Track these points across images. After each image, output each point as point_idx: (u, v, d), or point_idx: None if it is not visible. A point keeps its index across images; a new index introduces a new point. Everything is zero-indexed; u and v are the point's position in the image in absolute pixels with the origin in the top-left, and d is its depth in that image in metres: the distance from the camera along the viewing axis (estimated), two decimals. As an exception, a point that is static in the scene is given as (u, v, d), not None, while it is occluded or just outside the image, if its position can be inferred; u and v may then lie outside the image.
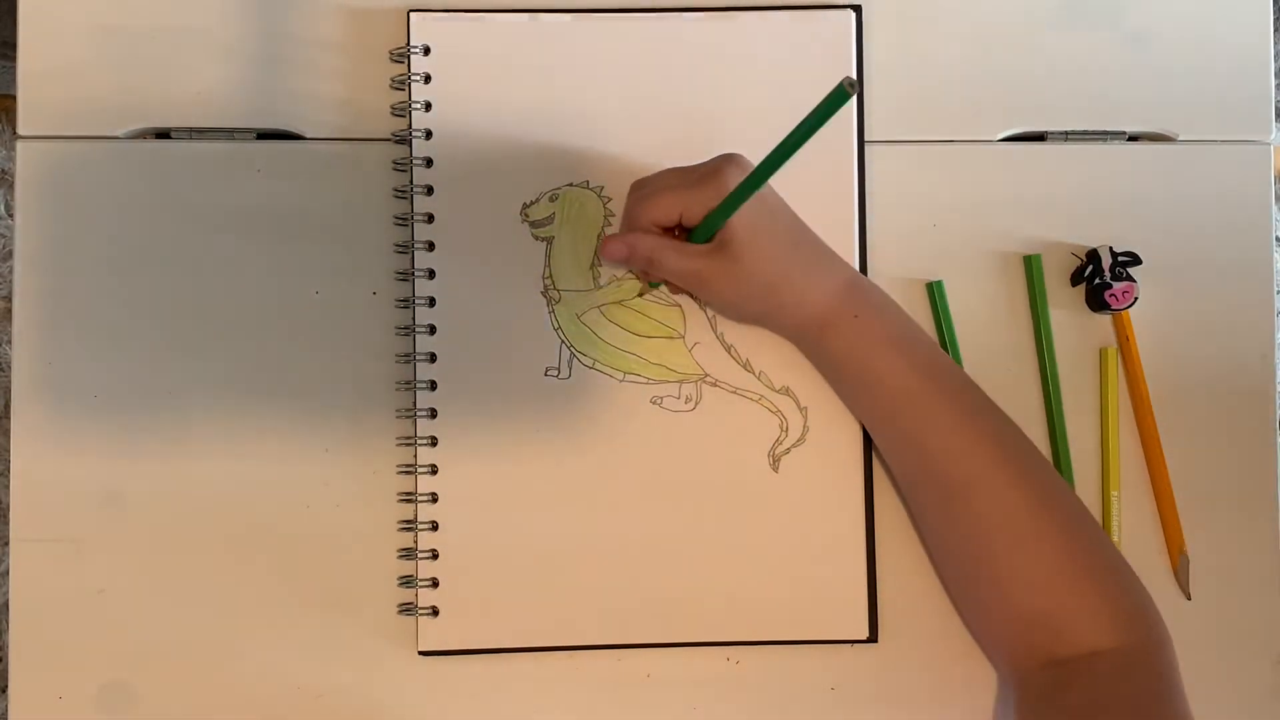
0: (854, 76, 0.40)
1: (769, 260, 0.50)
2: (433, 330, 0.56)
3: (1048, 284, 0.58)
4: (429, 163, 0.56)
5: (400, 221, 0.56)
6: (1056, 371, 0.57)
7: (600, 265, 0.56)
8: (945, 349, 0.57)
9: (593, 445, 0.56)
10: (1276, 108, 0.59)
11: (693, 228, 0.51)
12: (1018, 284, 0.58)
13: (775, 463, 0.56)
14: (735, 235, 0.49)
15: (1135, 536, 0.57)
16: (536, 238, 0.56)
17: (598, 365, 0.56)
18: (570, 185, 0.56)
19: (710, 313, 0.57)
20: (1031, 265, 0.57)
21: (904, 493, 0.55)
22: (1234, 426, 0.57)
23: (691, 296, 0.56)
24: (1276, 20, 0.60)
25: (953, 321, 0.57)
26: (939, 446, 0.50)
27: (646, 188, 0.52)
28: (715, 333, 0.57)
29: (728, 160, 0.50)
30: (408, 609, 0.55)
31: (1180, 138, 0.59)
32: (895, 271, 0.57)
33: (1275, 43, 0.59)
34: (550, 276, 0.56)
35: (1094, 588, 0.48)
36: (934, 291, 0.57)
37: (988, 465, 0.50)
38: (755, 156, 0.56)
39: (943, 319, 0.57)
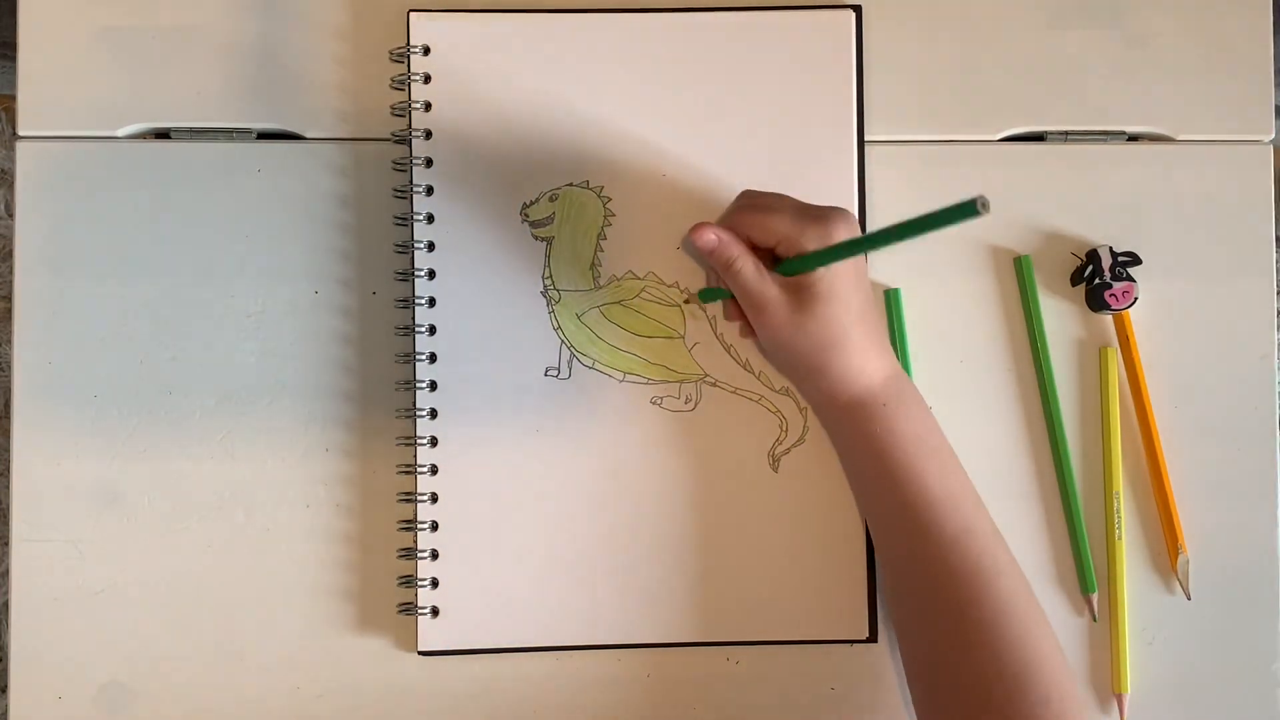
0: (987, 199, 0.40)
1: (836, 320, 0.50)
2: (433, 330, 0.56)
3: (1046, 284, 0.58)
4: (429, 163, 0.56)
5: (400, 221, 0.56)
6: (1051, 370, 0.57)
7: (598, 266, 0.56)
8: (898, 356, 0.56)
9: (593, 445, 0.56)
10: (1276, 108, 0.59)
11: (782, 260, 0.50)
12: (1017, 284, 0.58)
13: (775, 463, 0.56)
14: (818, 283, 0.49)
15: (1135, 536, 0.57)
16: (536, 238, 0.56)
17: (598, 365, 0.56)
18: (570, 185, 0.56)
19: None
20: (1022, 266, 0.57)
21: (889, 591, 0.54)
22: (1234, 426, 0.57)
23: (746, 333, 0.55)
24: (1276, 20, 0.59)
25: (906, 331, 0.57)
26: (937, 562, 0.50)
27: (757, 201, 0.51)
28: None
29: (840, 213, 0.49)
30: (407, 609, 0.55)
31: (1180, 138, 0.59)
32: (895, 272, 0.57)
33: (1275, 43, 0.59)
34: (550, 276, 0.56)
35: None
36: (891, 299, 0.57)
37: (979, 590, 0.49)
38: (754, 158, 0.57)
39: (897, 327, 0.57)
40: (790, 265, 0.50)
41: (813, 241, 0.49)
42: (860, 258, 0.51)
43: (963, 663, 0.48)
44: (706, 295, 0.56)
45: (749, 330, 0.54)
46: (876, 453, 0.51)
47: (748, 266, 0.50)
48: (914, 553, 0.50)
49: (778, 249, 0.50)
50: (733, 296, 0.52)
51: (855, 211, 0.56)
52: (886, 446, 0.51)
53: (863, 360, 0.51)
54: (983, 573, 0.49)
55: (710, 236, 0.50)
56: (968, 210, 0.40)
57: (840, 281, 0.49)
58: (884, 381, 0.51)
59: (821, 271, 0.49)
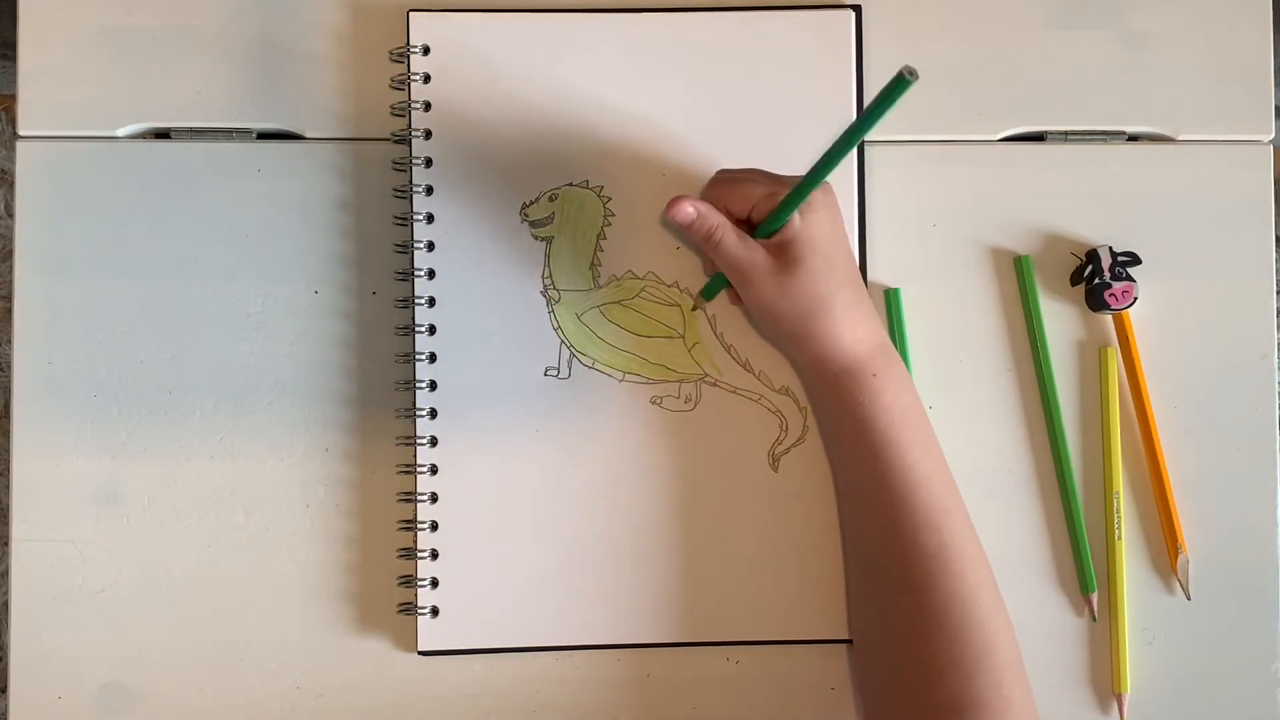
0: (913, 65, 0.40)
1: (820, 280, 0.49)
2: (433, 330, 0.56)
3: (1046, 284, 0.58)
4: (429, 163, 0.56)
5: (400, 221, 0.56)
6: (1051, 370, 0.57)
7: (598, 265, 0.56)
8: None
9: (593, 445, 0.56)
10: (1276, 108, 0.59)
11: (760, 222, 0.51)
12: (1017, 284, 0.58)
13: (775, 462, 0.56)
14: (797, 242, 0.49)
15: (1135, 536, 0.57)
16: (536, 237, 0.56)
17: (598, 365, 0.56)
18: (570, 185, 0.56)
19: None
20: (1022, 266, 0.57)
21: (852, 566, 0.54)
22: (1234, 426, 0.57)
23: (737, 304, 0.56)
24: (1276, 20, 0.59)
25: (906, 330, 0.57)
26: (908, 539, 0.49)
27: (731, 174, 0.52)
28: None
29: None
30: (407, 609, 0.55)
31: (1180, 137, 0.59)
32: (895, 272, 0.57)
33: (1275, 43, 0.59)
34: (550, 276, 0.56)
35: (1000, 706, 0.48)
36: (891, 299, 0.57)
37: (948, 571, 0.49)
38: (754, 158, 0.57)
39: (897, 327, 0.57)
40: (767, 224, 0.50)
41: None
42: (839, 223, 0.51)
43: (923, 645, 0.48)
44: (709, 291, 0.56)
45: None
46: (860, 423, 0.51)
47: (729, 234, 0.50)
48: (887, 527, 0.50)
49: (753, 214, 0.51)
50: (731, 284, 0.53)
51: (855, 211, 0.56)
52: (871, 417, 0.50)
53: (850, 326, 0.50)
54: (953, 554, 0.49)
55: (688, 209, 0.50)
56: (901, 85, 0.41)
57: (820, 237, 0.50)
58: (871, 351, 0.51)
59: (800, 229, 0.49)
